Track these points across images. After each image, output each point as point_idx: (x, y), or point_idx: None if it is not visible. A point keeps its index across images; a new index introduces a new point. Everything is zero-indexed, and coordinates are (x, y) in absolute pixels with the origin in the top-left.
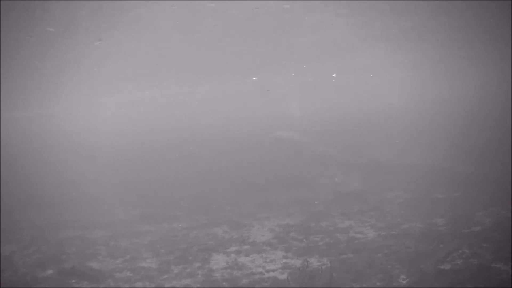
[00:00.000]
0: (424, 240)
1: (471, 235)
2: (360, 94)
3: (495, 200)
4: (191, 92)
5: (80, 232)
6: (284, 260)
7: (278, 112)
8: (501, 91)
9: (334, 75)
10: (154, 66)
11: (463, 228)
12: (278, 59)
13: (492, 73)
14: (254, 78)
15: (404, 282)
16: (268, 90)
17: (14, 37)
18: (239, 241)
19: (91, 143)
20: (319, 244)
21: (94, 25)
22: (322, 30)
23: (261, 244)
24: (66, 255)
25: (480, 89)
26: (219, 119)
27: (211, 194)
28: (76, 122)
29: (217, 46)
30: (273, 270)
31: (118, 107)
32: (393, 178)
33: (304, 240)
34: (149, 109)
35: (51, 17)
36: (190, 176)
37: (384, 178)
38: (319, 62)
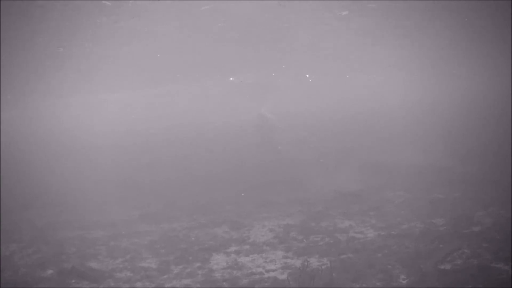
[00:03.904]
0: (424, 240)
1: (471, 235)
2: (359, 94)
3: (495, 200)
4: (190, 92)
5: (80, 232)
6: (284, 260)
7: (279, 112)
8: (501, 91)
9: (307, 75)
10: (153, 65)
11: (463, 228)
12: (277, 58)
13: (493, 73)
14: (231, 79)
15: (404, 282)
16: (268, 90)
17: (13, 36)
18: (239, 241)
19: (91, 142)
20: (319, 244)
21: (93, 24)
22: (320, 30)
23: (261, 244)
24: (66, 255)
25: (480, 89)
26: (218, 119)
27: (211, 194)
28: (76, 122)
29: (216, 45)
30: (273, 270)
31: (119, 106)
32: (393, 178)
33: (304, 240)
34: (149, 109)
35: (50, 17)
36: (190, 176)
37: (384, 178)
38: (319, 62)
